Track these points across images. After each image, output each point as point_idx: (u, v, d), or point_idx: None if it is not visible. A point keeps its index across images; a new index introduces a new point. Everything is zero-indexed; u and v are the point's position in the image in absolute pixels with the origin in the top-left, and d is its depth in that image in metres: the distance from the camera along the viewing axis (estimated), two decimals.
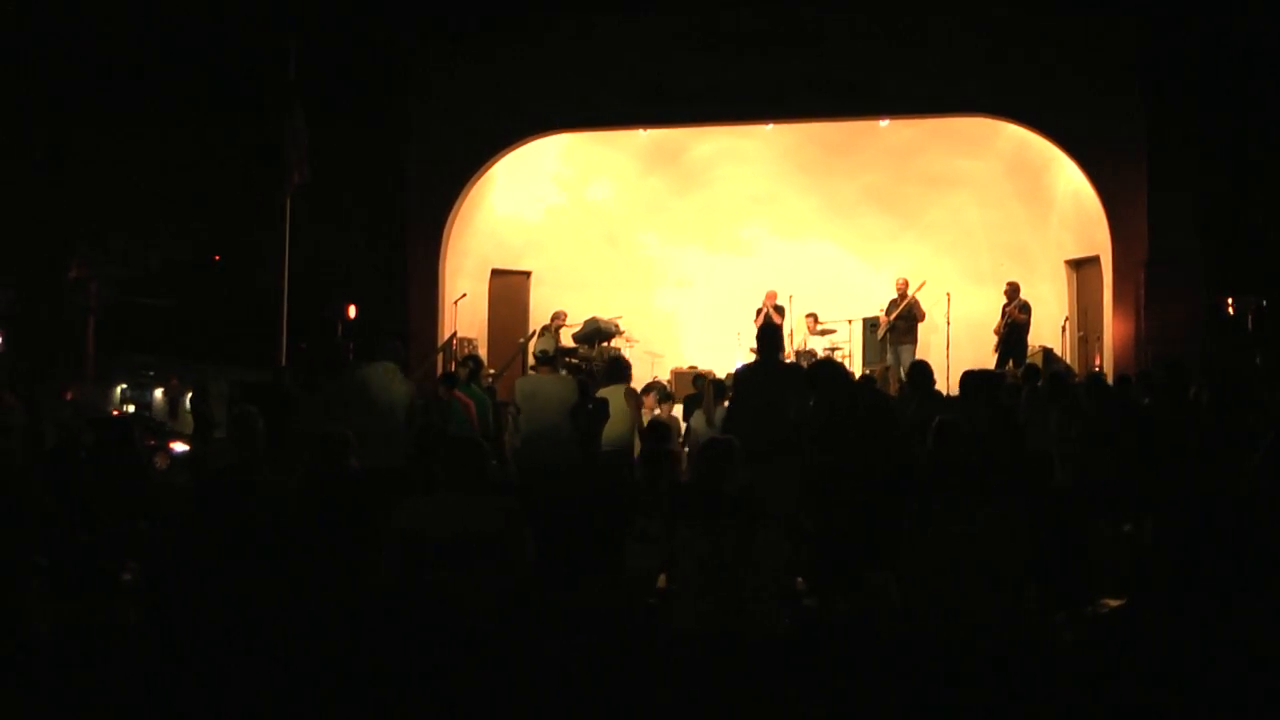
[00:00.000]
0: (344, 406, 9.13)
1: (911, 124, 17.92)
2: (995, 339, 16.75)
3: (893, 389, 14.71)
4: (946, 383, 13.59)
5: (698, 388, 12.96)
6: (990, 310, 17.24)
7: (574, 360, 16.07)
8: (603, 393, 9.69)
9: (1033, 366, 13.15)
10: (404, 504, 5.67)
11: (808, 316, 17.67)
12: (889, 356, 16.96)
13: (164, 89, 17.98)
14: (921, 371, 9.65)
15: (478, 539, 5.44)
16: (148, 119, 18.20)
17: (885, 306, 17.41)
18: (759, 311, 17.11)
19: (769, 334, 9.04)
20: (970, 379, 9.68)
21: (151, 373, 19.62)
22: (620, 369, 10.22)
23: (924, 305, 17.04)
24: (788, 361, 10.93)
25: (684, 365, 17.59)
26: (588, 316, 17.33)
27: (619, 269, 19.47)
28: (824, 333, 17.74)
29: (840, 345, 17.66)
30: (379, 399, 9.17)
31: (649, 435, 8.51)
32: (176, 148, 18.12)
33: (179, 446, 12.13)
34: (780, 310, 17.20)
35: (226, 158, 17.23)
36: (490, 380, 14.04)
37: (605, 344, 16.72)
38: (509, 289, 18.92)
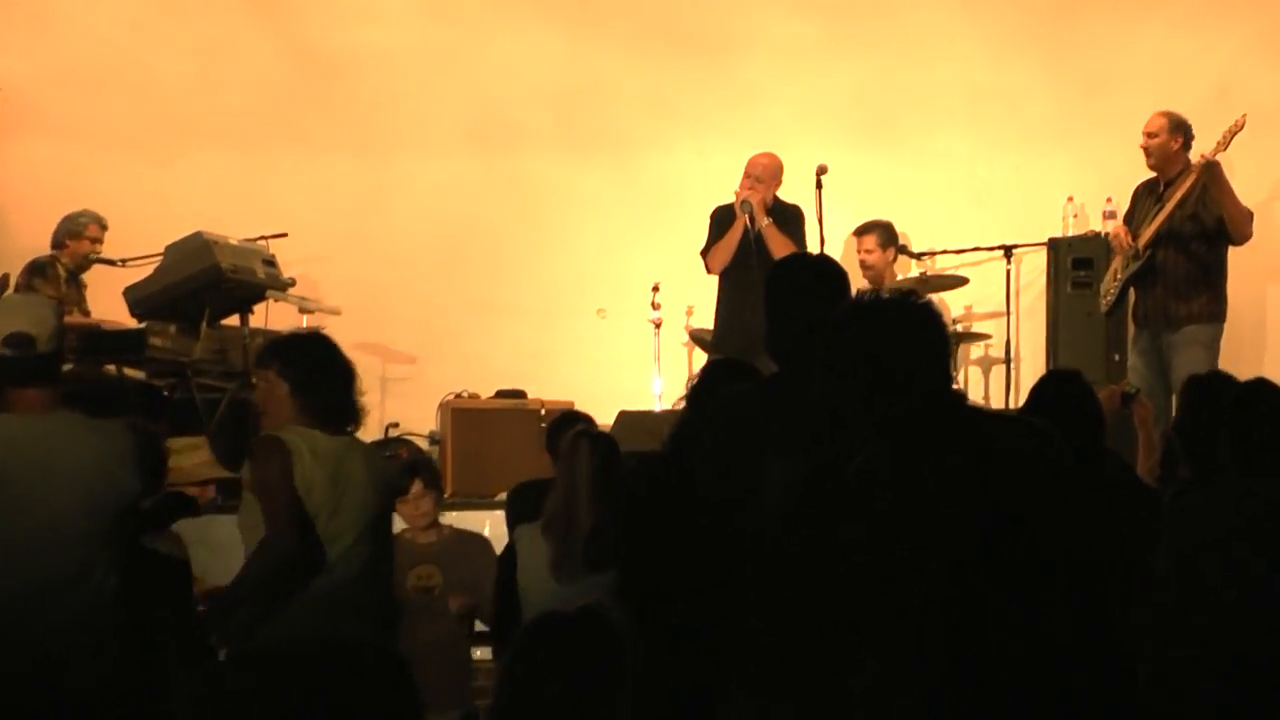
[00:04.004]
0: None
1: None
2: None
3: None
4: None
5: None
6: None
7: (121, 372, 9.04)
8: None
9: None
10: None
11: (865, 235, 9.36)
12: (1136, 360, 8.49)
13: None
14: None
15: None
16: None
17: (1115, 209, 9.21)
18: (720, 219, 8.90)
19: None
20: None
21: None
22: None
23: (1238, 192, 8.86)
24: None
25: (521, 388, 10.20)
26: (186, 234, 9.20)
27: (300, 84, 11.11)
28: (926, 279, 9.40)
29: (977, 322, 9.64)
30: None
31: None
32: None
33: None
34: (793, 218, 8.67)
35: None
36: None
37: (239, 321, 9.32)
38: None
